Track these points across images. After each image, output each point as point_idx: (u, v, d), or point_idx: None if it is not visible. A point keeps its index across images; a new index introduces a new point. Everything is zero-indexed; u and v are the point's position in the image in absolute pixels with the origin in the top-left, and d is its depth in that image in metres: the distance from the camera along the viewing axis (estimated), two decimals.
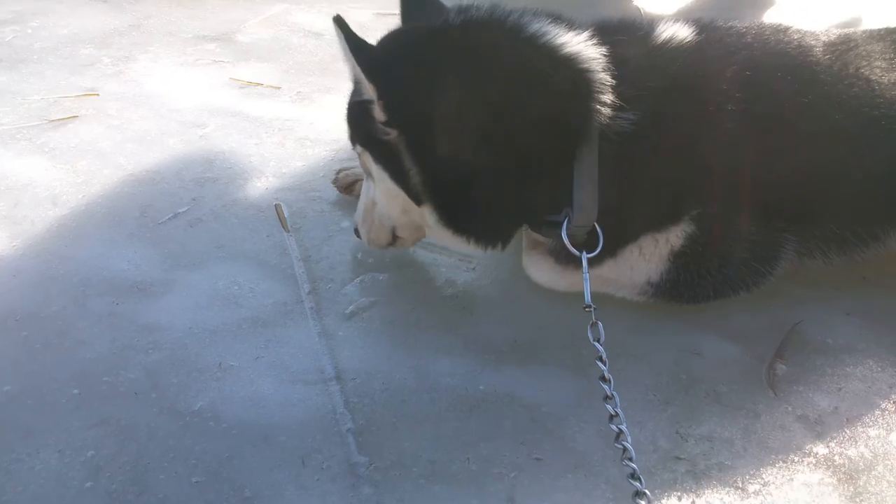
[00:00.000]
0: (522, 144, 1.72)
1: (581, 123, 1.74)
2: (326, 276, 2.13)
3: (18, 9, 3.64)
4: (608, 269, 1.96)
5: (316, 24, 3.63)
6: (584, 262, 1.81)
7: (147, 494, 1.56)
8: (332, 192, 2.45)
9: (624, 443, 1.60)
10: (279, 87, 3.05)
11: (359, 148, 1.90)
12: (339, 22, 1.73)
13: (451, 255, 2.22)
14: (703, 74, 1.84)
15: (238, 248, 2.21)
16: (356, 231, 2.08)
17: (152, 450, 1.65)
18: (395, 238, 2.01)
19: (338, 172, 2.40)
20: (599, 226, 1.82)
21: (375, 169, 1.86)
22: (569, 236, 1.81)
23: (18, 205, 2.33)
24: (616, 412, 1.62)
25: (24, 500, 1.55)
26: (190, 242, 2.23)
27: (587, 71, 1.74)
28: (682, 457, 1.69)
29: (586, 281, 1.80)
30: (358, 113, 1.84)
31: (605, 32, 1.79)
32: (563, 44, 1.72)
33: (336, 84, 3.09)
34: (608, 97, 1.72)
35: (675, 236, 1.90)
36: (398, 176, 1.80)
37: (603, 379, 1.65)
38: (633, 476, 1.55)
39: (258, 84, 3.07)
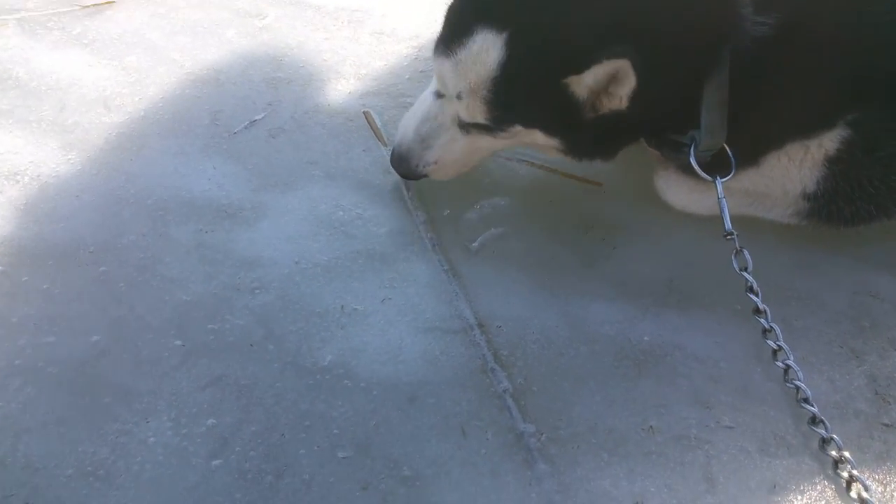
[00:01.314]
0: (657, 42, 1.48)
1: (716, 29, 1.51)
2: (440, 202, 1.84)
3: None
4: (753, 180, 1.73)
5: None
6: (719, 188, 1.62)
7: (288, 475, 1.32)
8: None
9: (796, 382, 1.48)
10: None
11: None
12: None
13: (580, 176, 1.93)
14: None
15: (333, 165, 1.91)
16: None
17: (283, 417, 1.40)
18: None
19: None
20: (730, 146, 1.62)
21: (537, 136, 1.66)
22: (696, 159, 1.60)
23: (65, 109, 1.99)
24: (779, 345, 1.52)
25: (142, 484, 1.29)
26: (275, 157, 1.92)
27: None
28: (892, 423, 1.47)
29: (723, 207, 1.62)
30: None
31: None
32: None
33: None
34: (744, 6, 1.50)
35: (829, 141, 1.66)
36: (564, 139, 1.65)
37: (757, 311, 1.54)
38: (815, 420, 1.44)
39: None
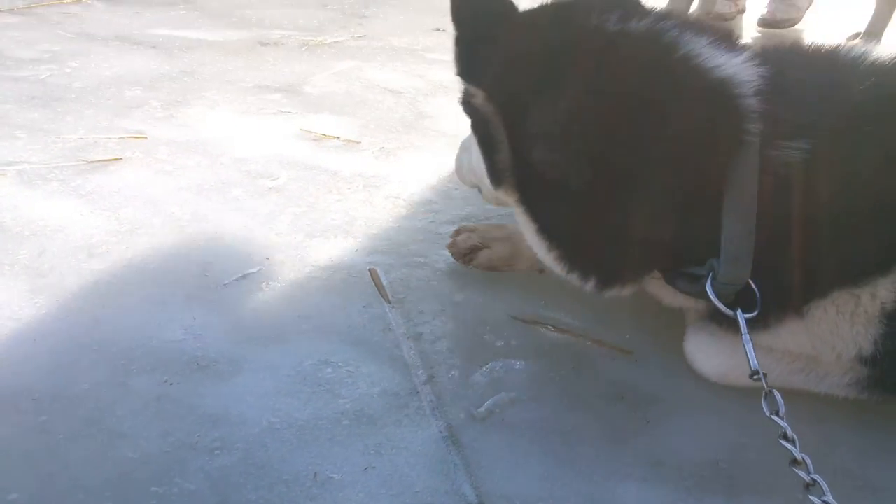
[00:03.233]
0: (643, 169, 1.40)
1: (728, 153, 1.37)
2: (445, 362, 1.60)
3: (56, 49, 3.23)
4: (795, 336, 1.49)
5: (392, 82, 3.19)
6: (742, 322, 1.41)
7: None
8: (439, 259, 1.94)
9: None
10: (359, 142, 2.58)
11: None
12: None
13: (605, 342, 1.68)
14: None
15: (327, 321, 1.69)
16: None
17: None
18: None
19: (456, 234, 1.90)
20: (755, 282, 1.42)
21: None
22: (716, 294, 1.40)
23: (45, 253, 1.83)
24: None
25: None
26: (264, 310, 1.71)
27: (739, 96, 1.39)
28: None
29: (746, 342, 1.39)
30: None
31: (776, 53, 1.53)
32: (717, 66, 1.41)
33: (424, 142, 2.62)
34: (771, 125, 1.37)
35: (884, 290, 1.41)
36: (487, 150, 1.63)
37: (795, 462, 1.27)
38: None
39: (334, 137, 2.60)
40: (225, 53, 3.37)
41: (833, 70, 1.50)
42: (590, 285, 1.54)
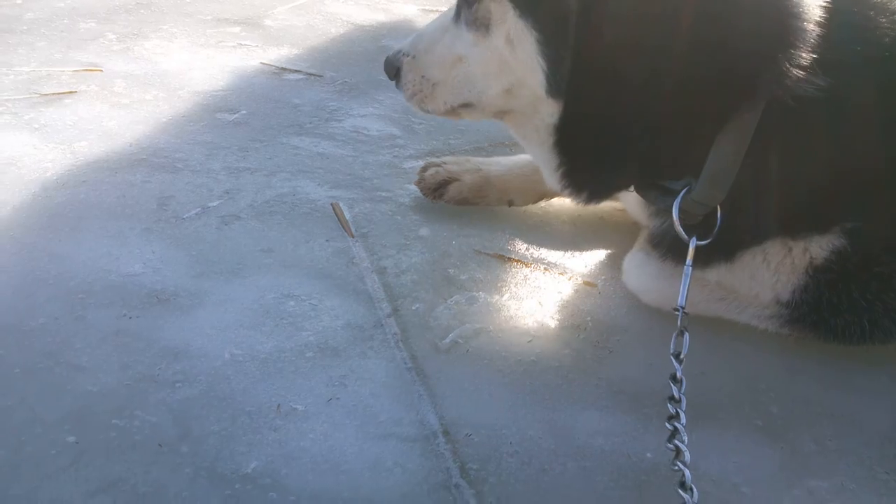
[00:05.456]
0: (684, 78, 1.31)
1: (756, 72, 1.32)
2: (409, 294, 1.59)
3: None
4: (721, 274, 1.52)
5: (355, 15, 3.13)
6: (691, 249, 1.41)
7: None
8: (403, 193, 1.92)
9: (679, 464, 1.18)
10: (321, 76, 2.53)
11: None
12: None
13: (570, 273, 1.69)
14: None
15: (290, 254, 1.67)
16: (393, 72, 1.66)
17: None
18: (453, 112, 1.61)
19: (424, 169, 1.88)
20: (721, 211, 1.42)
21: (509, 24, 1.42)
22: (681, 211, 1.40)
23: None
24: (676, 426, 1.23)
25: None
26: (225, 243, 1.68)
27: (796, 16, 1.33)
28: None
29: (686, 275, 1.40)
30: None
31: None
32: None
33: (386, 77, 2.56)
34: (805, 53, 1.32)
35: (817, 247, 1.45)
36: (550, 46, 1.37)
37: (672, 399, 1.26)
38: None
39: (296, 71, 2.54)
40: None
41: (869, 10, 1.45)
42: (581, 197, 1.52)
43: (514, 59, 1.44)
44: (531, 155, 1.64)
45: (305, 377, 1.37)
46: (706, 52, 1.30)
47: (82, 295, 1.51)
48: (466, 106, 1.59)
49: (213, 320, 1.48)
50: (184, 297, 1.53)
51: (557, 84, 1.40)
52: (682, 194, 1.40)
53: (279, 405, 1.31)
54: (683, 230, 1.41)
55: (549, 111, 1.45)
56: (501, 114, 1.58)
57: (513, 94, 1.50)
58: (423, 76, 1.60)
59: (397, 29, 3.00)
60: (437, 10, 3.25)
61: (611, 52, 1.31)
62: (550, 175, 1.53)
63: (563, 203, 1.91)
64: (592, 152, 1.46)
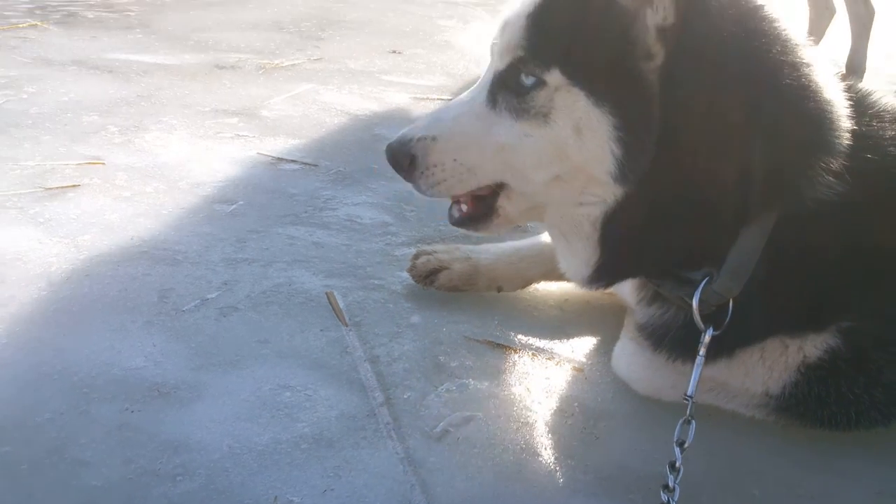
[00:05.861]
0: (737, 176, 1.38)
1: (795, 177, 1.39)
2: (401, 383, 1.65)
3: (13, 74, 3.23)
4: (719, 369, 1.56)
5: (349, 104, 3.24)
6: (706, 338, 1.46)
7: None
8: (395, 280, 1.99)
9: None
10: (316, 165, 2.62)
11: (553, 74, 1.37)
12: None
13: (558, 359, 1.75)
14: None
15: (286, 344, 1.73)
16: (407, 161, 1.49)
17: None
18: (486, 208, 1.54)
19: (415, 257, 1.95)
20: (733, 303, 1.46)
21: (579, 113, 1.36)
22: (700, 301, 1.44)
23: (4, 283, 1.85)
24: None
25: None
26: (224, 335, 1.75)
27: (833, 130, 1.41)
28: None
29: (698, 365, 1.45)
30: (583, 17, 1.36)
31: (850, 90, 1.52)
32: (826, 85, 1.42)
33: (380, 165, 2.65)
34: (835, 162, 1.39)
35: (811, 346, 1.50)
36: (629, 131, 1.34)
37: (666, 488, 1.33)
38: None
39: (291, 161, 2.64)
40: (182, 77, 3.40)
41: (872, 118, 1.53)
42: (594, 286, 1.54)
43: (578, 147, 1.38)
44: (562, 248, 1.57)
45: (301, 469, 1.42)
46: (761, 154, 1.37)
47: (86, 389, 1.56)
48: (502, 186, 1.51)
49: (212, 413, 1.53)
50: (184, 389, 1.58)
51: (630, 169, 1.35)
52: (702, 284, 1.44)
53: (276, 497, 1.36)
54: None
55: (605, 198, 1.41)
56: (533, 211, 1.53)
57: (562, 180, 1.43)
58: (454, 159, 1.48)
59: (390, 118, 3.10)
60: (427, 98, 3.38)
61: (689, 141, 1.35)
62: (580, 266, 1.51)
63: (550, 288, 1.98)
64: (637, 243, 1.45)
